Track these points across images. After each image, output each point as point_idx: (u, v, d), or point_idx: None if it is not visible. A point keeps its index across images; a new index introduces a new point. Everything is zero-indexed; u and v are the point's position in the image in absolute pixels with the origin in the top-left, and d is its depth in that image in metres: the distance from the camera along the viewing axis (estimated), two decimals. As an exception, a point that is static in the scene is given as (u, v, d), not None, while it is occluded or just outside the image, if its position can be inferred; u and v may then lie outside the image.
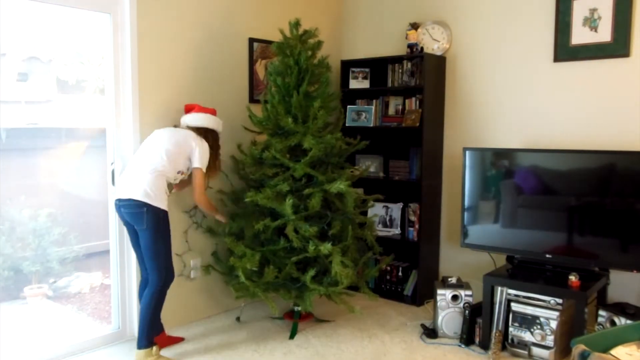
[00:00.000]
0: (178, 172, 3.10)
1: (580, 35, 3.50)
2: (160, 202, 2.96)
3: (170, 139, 3.07)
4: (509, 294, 3.21)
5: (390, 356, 3.18)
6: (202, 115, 3.24)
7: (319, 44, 3.48)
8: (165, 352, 3.18)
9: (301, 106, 3.35)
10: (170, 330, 3.49)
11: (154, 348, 3.04)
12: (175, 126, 3.32)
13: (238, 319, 3.73)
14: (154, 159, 2.99)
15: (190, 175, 3.20)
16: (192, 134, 3.15)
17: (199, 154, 3.10)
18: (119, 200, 2.97)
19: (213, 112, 3.32)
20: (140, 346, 3.00)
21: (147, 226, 2.92)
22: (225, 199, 3.73)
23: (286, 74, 3.41)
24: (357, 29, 4.63)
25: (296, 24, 3.45)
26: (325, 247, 3.09)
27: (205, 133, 3.21)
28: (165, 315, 3.51)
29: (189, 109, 3.33)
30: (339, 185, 3.19)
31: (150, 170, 2.96)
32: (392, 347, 3.31)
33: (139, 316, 3.02)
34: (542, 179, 3.34)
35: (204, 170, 3.15)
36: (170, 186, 3.15)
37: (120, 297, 3.36)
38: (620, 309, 3.07)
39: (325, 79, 3.47)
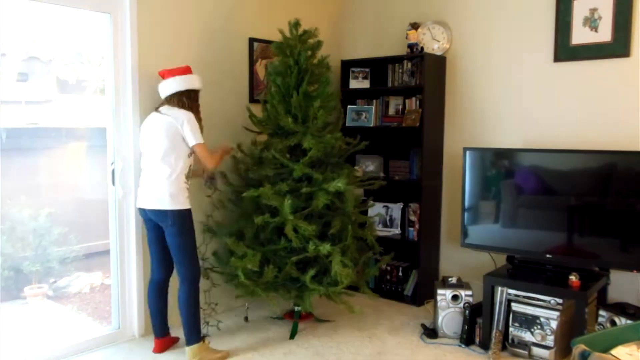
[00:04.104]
0: (189, 156, 3.06)
1: (580, 35, 3.50)
2: (183, 203, 3.01)
3: (160, 134, 2.98)
4: (509, 294, 3.21)
5: (390, 356, 3.18)
6: (170, 80, 3.05)
7: (318, 44, 3.47)
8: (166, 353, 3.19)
9: (301, 106, 3.35)
10: (170, 330, 3.49)
11: (205, 340, 3.16)
12: (156, 109, 3.10)
13: (246, 319, 3.73)
14: (162, 164, 2.98)
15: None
16: (172, 115, 2.99)
17: (189, 131, 2.98)
18: (143, 209, 3.07)
19: (183, 71, 3.09)
20: (191, 342, 3.06)
21: (173, 223, 2.99)
22: (224, 200, 3.73)
23: (286, 74, 3.41)
24: (357, 29, 4.63)
25: (296, 24, 3.45)
26: (325, 248, 3.09)
27: (180, 98, 3.04)
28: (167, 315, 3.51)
29: (161, 76, 3.16)
30: (337, 184, 3.19)
31: (166, 176, 2.98)
32: (392, 347, 3.31)
33: (182, 315, 3.06)
34: (542, 179, 3.34)
35: (202, 141, 3.02)
36: (189, 173, 3.10)
37: (120, 297, 3.36)
38: (621, 309, 3.07)
39: (325, 79, 3.47)
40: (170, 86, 3.05)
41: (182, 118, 2.98)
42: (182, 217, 3.01)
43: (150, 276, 3.26)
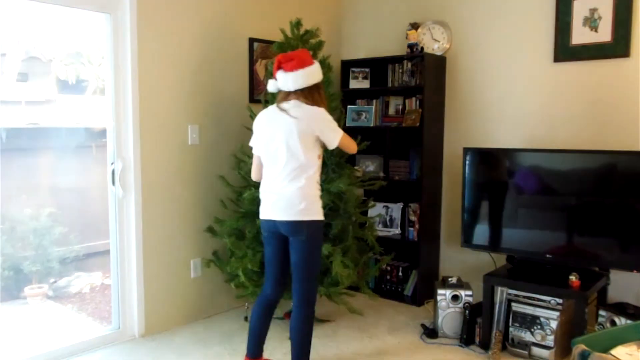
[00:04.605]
0: (318, 157, 2.71)
1: (580, 36, 3.50)
2: (318, 213, 2.69)
3: (291, 138, 2.62)
4: (509, 294, 3.21)
5: (390, 356, 3.18)
6: (303, 72, 2.64)
7: (320, 44, 3.47)
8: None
9: (301, 106, 3.34)
10: (170, 330, 3.49)
11: None
12: (278, 104, 2.72)
13: (246, 318, 3.73)
14: (294, 171, 2.63)
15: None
16: (300, 116, 2.61)
17: (329, 130, 2.65)
18: (271, 221, 2.69)
19: (308, 57, 2.68)
20: None
21: (307, 236, 2.65)
22: (225, 200, 3.73)
23: (286, 74, 3.40)
24: (357, 29, 4.63)
25: (297, 24, 3.45)
26: (325, 248, 3.09)
27: (311, 94, 2.68)
28: (166, 315, 3.51)
29: (280, 65, 2.69)
30: (339, 184, 3.19)
31: (300, 185, 2.63)
32: (392, 347, 3.31)
33: (293, 341, 2.69)
34: (542, 179, 3.34)
35: (342, 131, 2.70)
36: (321, 178, 2.84)
37: (120, 297, 3.36)
38: (621, 309, 3.07)
39: (327, 79, 3.46)
40: (298, 81, 2.64)
41: (317, 118, 2.63)
42: (316, 229, 2.68)
43: (262, 292, 2.90)
